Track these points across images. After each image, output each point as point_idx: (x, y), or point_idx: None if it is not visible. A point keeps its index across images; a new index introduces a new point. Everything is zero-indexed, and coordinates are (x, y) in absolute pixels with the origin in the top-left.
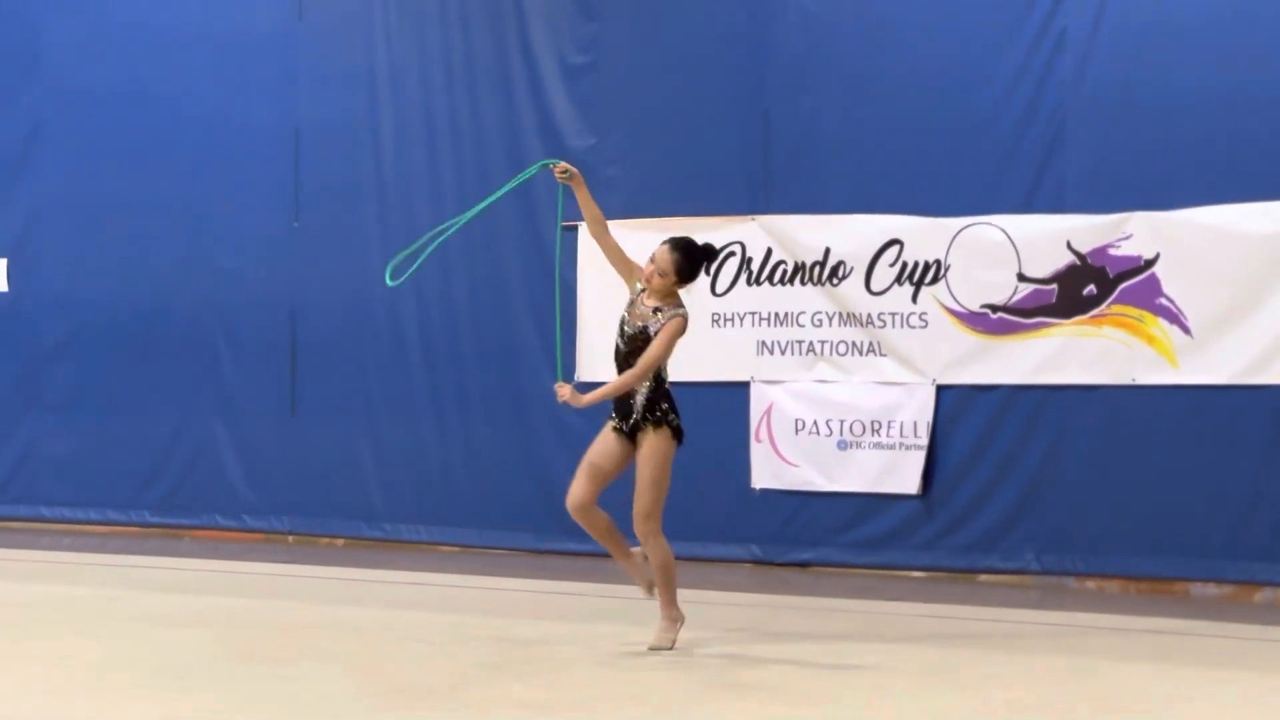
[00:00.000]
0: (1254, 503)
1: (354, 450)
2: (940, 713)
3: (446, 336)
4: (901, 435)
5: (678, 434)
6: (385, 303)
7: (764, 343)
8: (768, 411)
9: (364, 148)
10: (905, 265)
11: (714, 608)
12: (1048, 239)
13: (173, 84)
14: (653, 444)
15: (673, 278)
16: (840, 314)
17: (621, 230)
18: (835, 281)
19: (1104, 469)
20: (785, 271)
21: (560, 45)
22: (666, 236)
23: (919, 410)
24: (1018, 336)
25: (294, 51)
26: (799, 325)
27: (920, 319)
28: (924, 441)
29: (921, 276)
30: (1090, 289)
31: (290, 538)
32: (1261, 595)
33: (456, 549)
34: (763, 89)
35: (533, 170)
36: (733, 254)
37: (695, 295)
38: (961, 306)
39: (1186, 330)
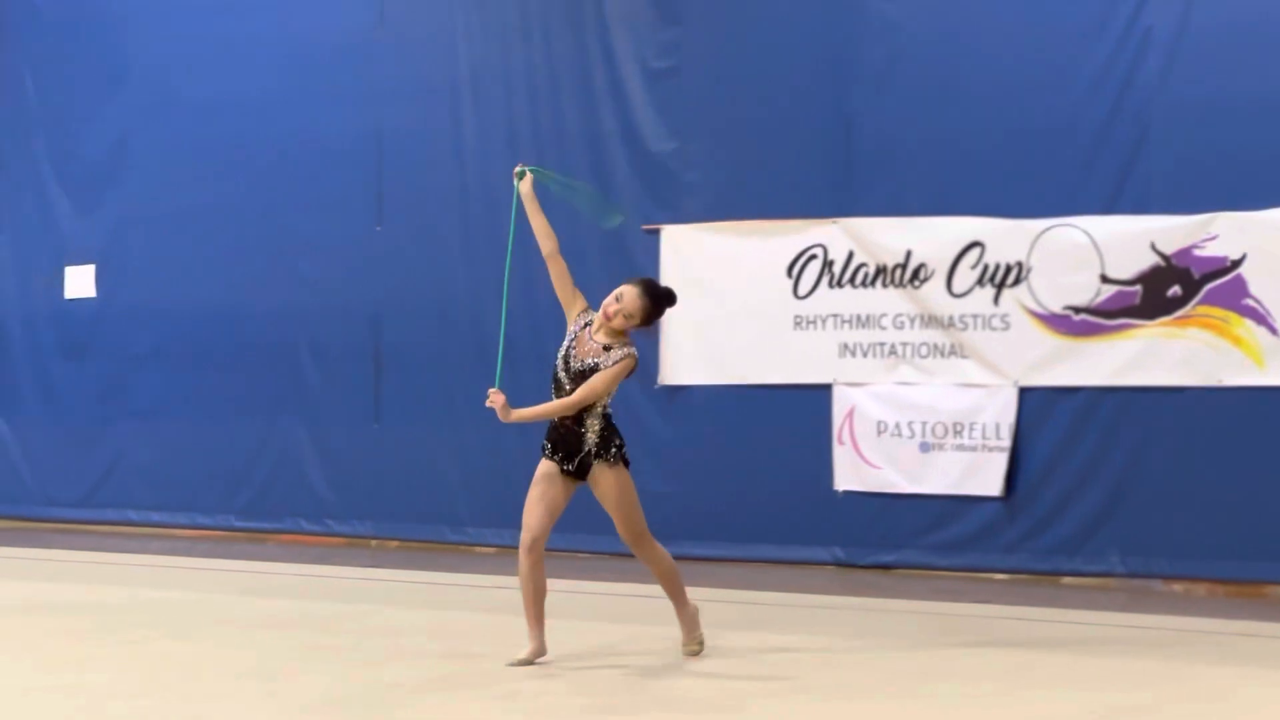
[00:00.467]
0: None
1: (436, 455)
2: (1023, 717)
3: (528, 341)
4: (984, 437)
5: (626, 464)
6: (468, 308)
7: (846, 345)
8: (850, 414)
9: (446, 154)
10: (987, 267)
11: (797, 610)
12: (1131, 240)
13: (256, 93)
14: (611, 482)
15: (637, 320)
16: (922, 316)
17: (703, 234)
18: (917, 284)
19: (1189, 471)
20: (867, 274)
21: (642, 50)
22: (745, 241)
23: (1001, 412)
24: (1101, 338)
25: (375, 59)
26: (880, 328)
27: (1002, 321)
28: (1006, 444)
29: (1003, 278)
30: (1175, 290)
31: (373, 542)
32: None
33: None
34: (844, 92)
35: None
36: (814, 257)
37: (778, 298)
38: (1044, 308)
39: (1274, 331)
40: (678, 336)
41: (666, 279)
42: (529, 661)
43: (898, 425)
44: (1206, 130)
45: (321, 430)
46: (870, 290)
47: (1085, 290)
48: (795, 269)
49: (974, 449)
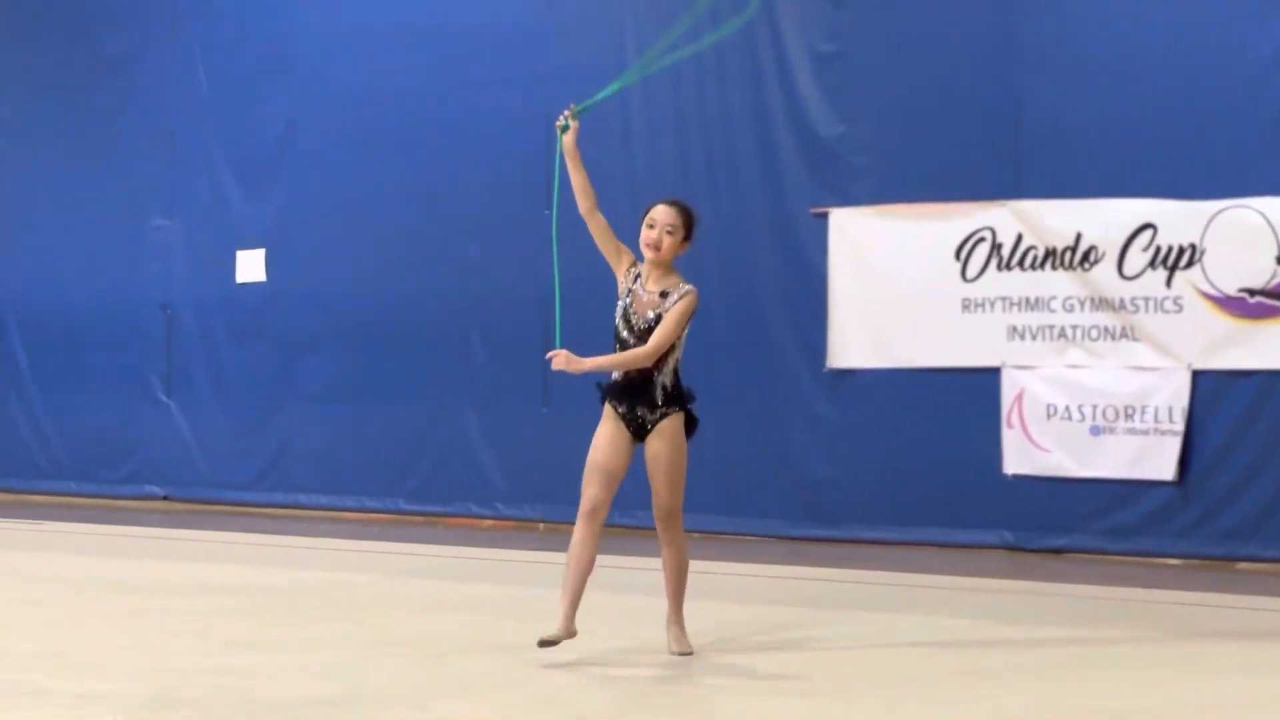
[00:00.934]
0: None
1: None
2: (1196, 703)
3: (697, 324)
4: (1156, 421)
5: (692, 423)
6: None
7: (1015, 328)
8: (1019, 397)
9: (614, 137)
10: (1159, 249)
11: (967, 594)
12: None
13: (424, 78)
14: (671, 434)
15: (681, 233)
16: (1092, 299)
17: (870, 217)
18: (1087, 266)
19: None
20: (1036, 257)
21: (809, 33)
22: (913, 224)
23: (1174, 395)
24: (1277, 321)
25: (542, 43)
26: (1050, 310)
27: (1175, 303)
28: (1180, 427)
29: (1176, 260)
30: None
31: (541, 525)
32: None
33: (708, 535)
34: (1012, 73)
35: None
36: (983, 240)
37: (946, 281)
38: (1218, 291)
39: None
40: (845, 320)
41: (834, 263)
42: (555, 642)
43: (1068, 408)
44: None
45: (490, 414)
46: (1039, 273)
47: (1261, 273)
48: (963, 252)
49: (1146, 433)
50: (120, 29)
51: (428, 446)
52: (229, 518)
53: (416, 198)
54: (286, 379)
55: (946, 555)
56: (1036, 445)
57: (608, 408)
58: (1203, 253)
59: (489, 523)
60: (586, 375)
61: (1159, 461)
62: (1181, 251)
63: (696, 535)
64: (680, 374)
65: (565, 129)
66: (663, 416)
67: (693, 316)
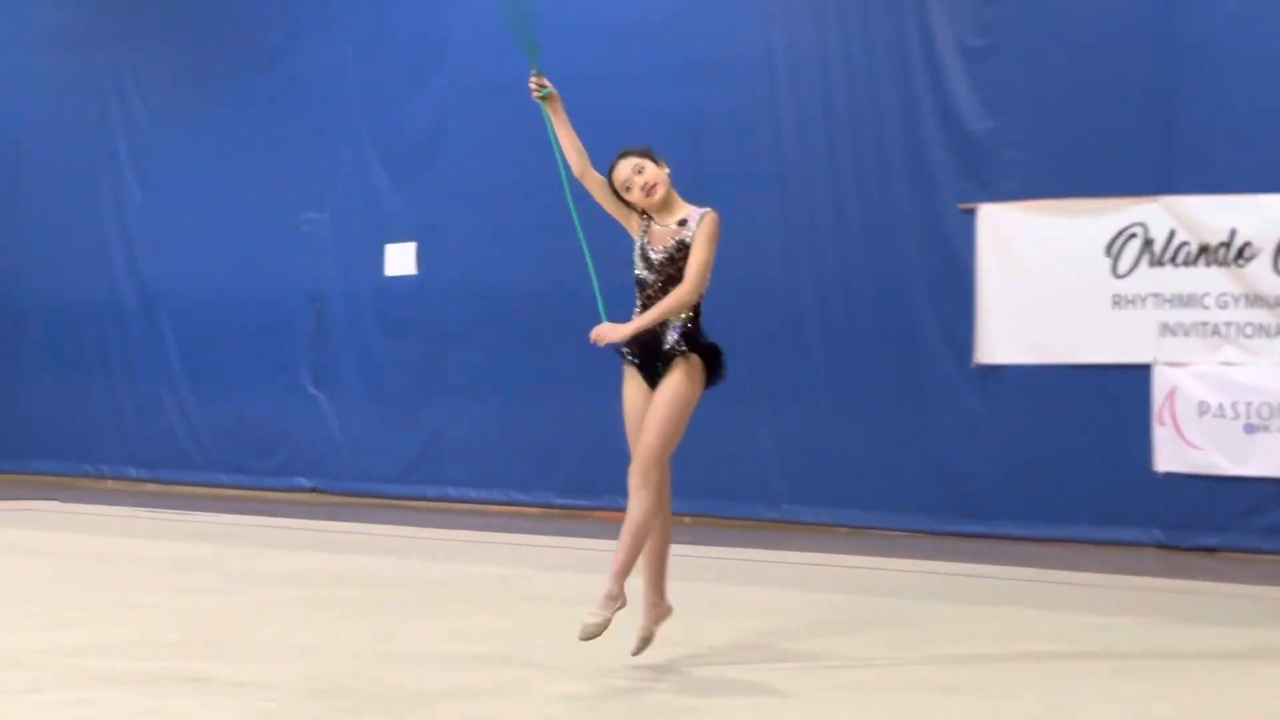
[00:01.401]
0: None
1: (753, 432)
2: None
3: (845, 319)
4: None
5: (714, 369)
6: (785, 286)
7: (1166, 325)
8: (1171, 394)
9: (763, 133)
10: None
11: (1117, 591)
12: None
13: (573, 72)
14: (679, 375)
15: (653, 164)
16: (1246, 295)
17: (1020, 213)
18: (1241, 262)
19: None
20: (1189, 253)
21: (959, 28)
22: (1063, 219)
23: None
24: None
25: (691, 38)
26: (1203, 307)
27: None
28: None
29: None
30: None
31: (687, 519)
32: None
33: (853, 530)
34: (1165, 66)
35: (530, 46)
36: (1134, 235)
37: (1096, 277)
38: None
39: None
40: (994, 315)
41: (983, 258)
42: (644, 641)
43: (1221, 406)
44: None
45: None
46: (1192, 269)
47: None
48: (1114, 247)
49: None
50: (273, 23)
51: (576, 439)
52: (377, 510)
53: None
54: (435, 372)
55: (1096, 552)
56: (1189, 443)
57: (627, 367)
58: None
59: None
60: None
61: None
62: None
63: (842, 530)
64: (701, 315)
65: (548, 94)
66: (673, 355)
67: (718, 234)
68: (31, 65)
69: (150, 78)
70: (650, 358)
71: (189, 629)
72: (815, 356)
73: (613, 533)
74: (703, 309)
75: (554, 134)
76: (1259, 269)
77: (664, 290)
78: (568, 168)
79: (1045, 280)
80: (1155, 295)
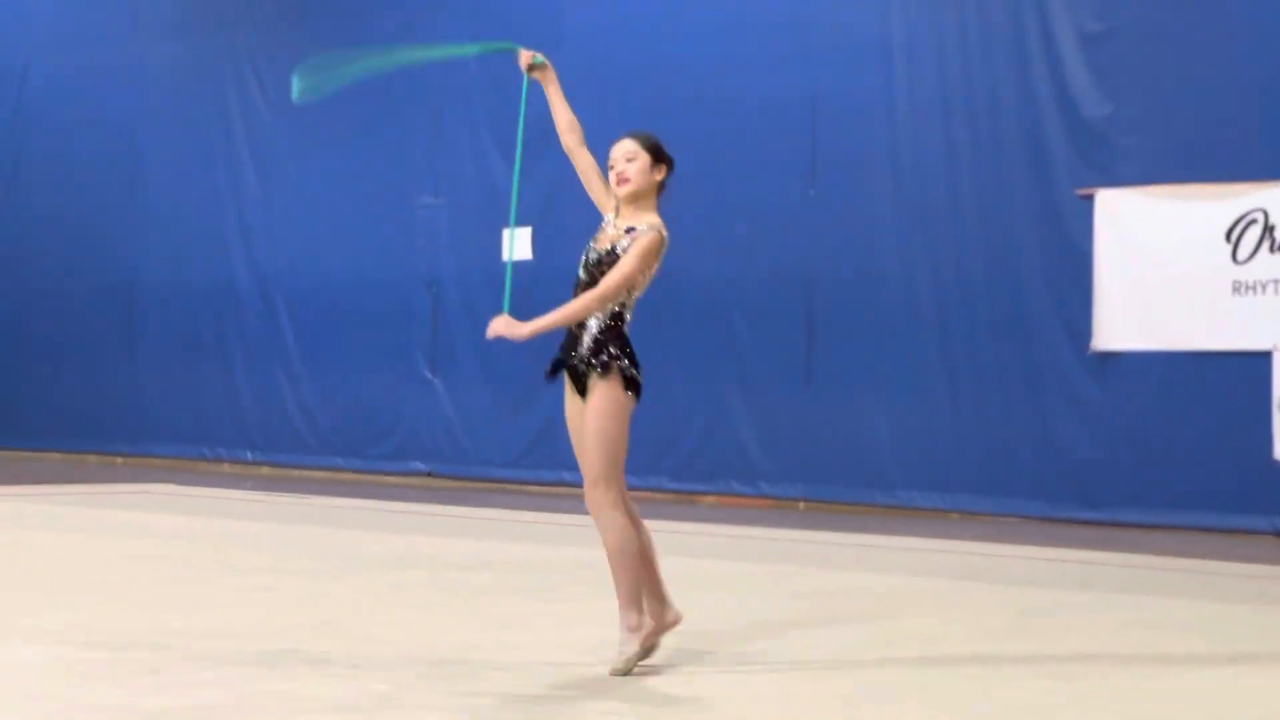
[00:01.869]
0: None
1: (867, 418)
2: None
3: (960, 305)
4: None
5: (631, 385)
6: (900, 272)
7: None
8: None
9: (879, 119)
10: None
11: (1236, 580)
12: None
13: (690, 57)
14: (599, 394)
15: (647, 156)
16: None
17: (1139, 198)
18: None
19: None
20: None
21: (1077, 13)
22: (1182, 205)
23: None
24: None
25: (809, 23)
26: None
27: None
28: None
29: None
30: None
31: (801, 504)
32: None
33: (966, 515)
34: None
35: (496, 47)
36: (1254, 221)
37: (1216, 263)
38: None
39: None
40: (1112, 302)
41: (1100, 244)
42: (633, 662)
43: None
44: None
45: (753, 392)
46: None
47: None
48: (1234, 233)
49: None
50: (389, 8)
51: (690, 424)
52: (491, 494)
53: (684, 177)
54: (550, 357)
55: (1213, 540)
56: None
57: (565, 378)
58: None
59: (749, 500)
60: (854, 353)
61: None
62: None
63: (956, 516)
64: (627, 332)
65: (541, 63)
66: (592, 370)
67: (657, 259)
68: (150, 54)
69: (267, 65)
70: (571, 359)
71: (306, 612)
72: (930, 342)
73: (725, 517)
74: (628, 322)
75: (524, 106)
76: None
77: (586, 291)
78: (527, 144)
79: (1164, 266)
80: (1276, 282)
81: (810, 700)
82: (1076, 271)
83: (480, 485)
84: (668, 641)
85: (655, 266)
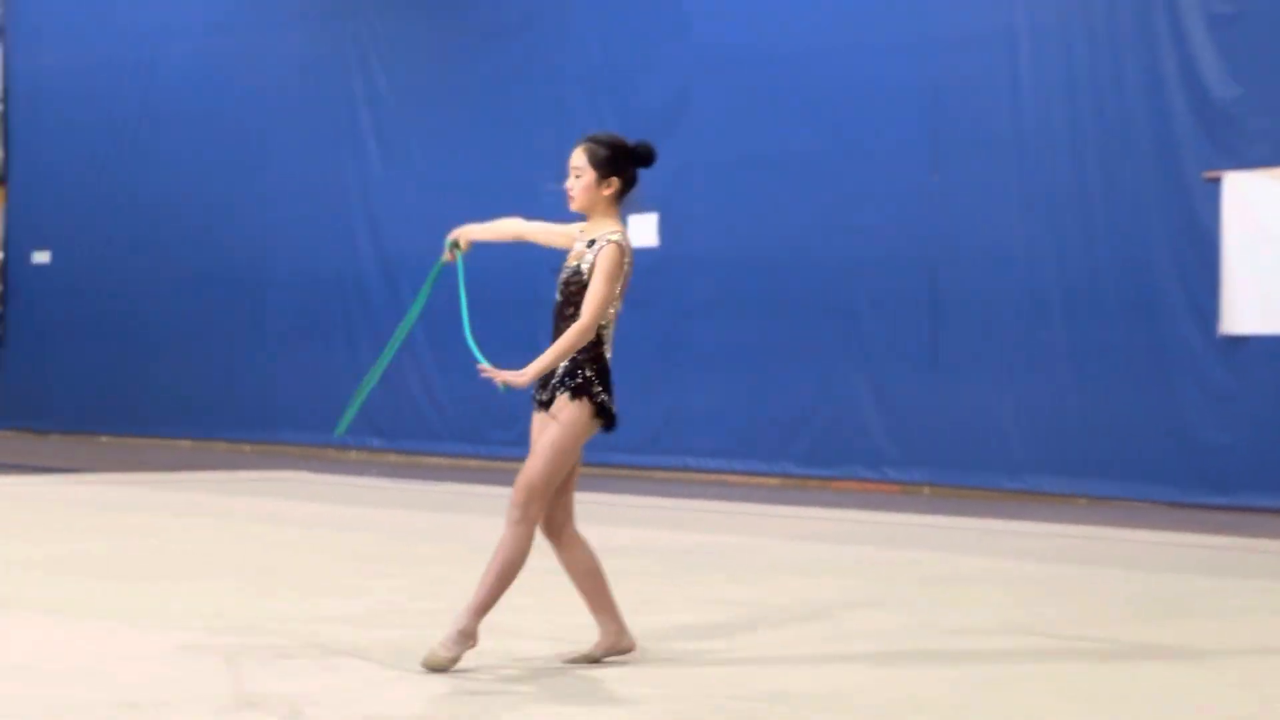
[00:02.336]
0: None
1: (994, 403)
2: None
3: (1086, 289)
4: None
5: (602, 413)
6: (1025, 256)
7: None
8: None
9: (1002, 103)
10: None
11: None
12: None
13: (814, 43)
14: (566, 411)
15: (593, 172)
16: None
17: (1267, 181)
18: None
19: None
20: None
21: None
22: None
23: None
24: None
25: (932, 7)
26: None
27: None
28: None
29: None
30: None
31: (926, 489)
32: None
33: (1094, 500)
34: None
35: (433, 274)
36: None
37: None
38: None
39: None
40: (1241, 285)
41: (1228, 227)
42: (593, 658)
43: None
44: None
45: (879, 378)
46: None
47: None
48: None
49: None
50: None
51: (816, 410)
52: (618, 480)
53: (806, 163)
54: (677, 343)
55: None
56: None
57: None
58: None
59: (875, 486)
60: (979, 338)
61: None
62: None
63: (1083, 501)
64: (606, 354)
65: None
66: (563, 389)
67: (621, 270)
68: (277, 41)
69: (392, 52)
70: (543, 388)
71: (434, 597)
72: (1056, 326)
73: (850, 502)
74: (607, 342)
75: (429, 290)
76: None
77: (561, 312)
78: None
79: None
80: None
81: (945, 687)
82: (1204, 254)
83: (606, 471)
84: (809, 630)
85: (621, 278)
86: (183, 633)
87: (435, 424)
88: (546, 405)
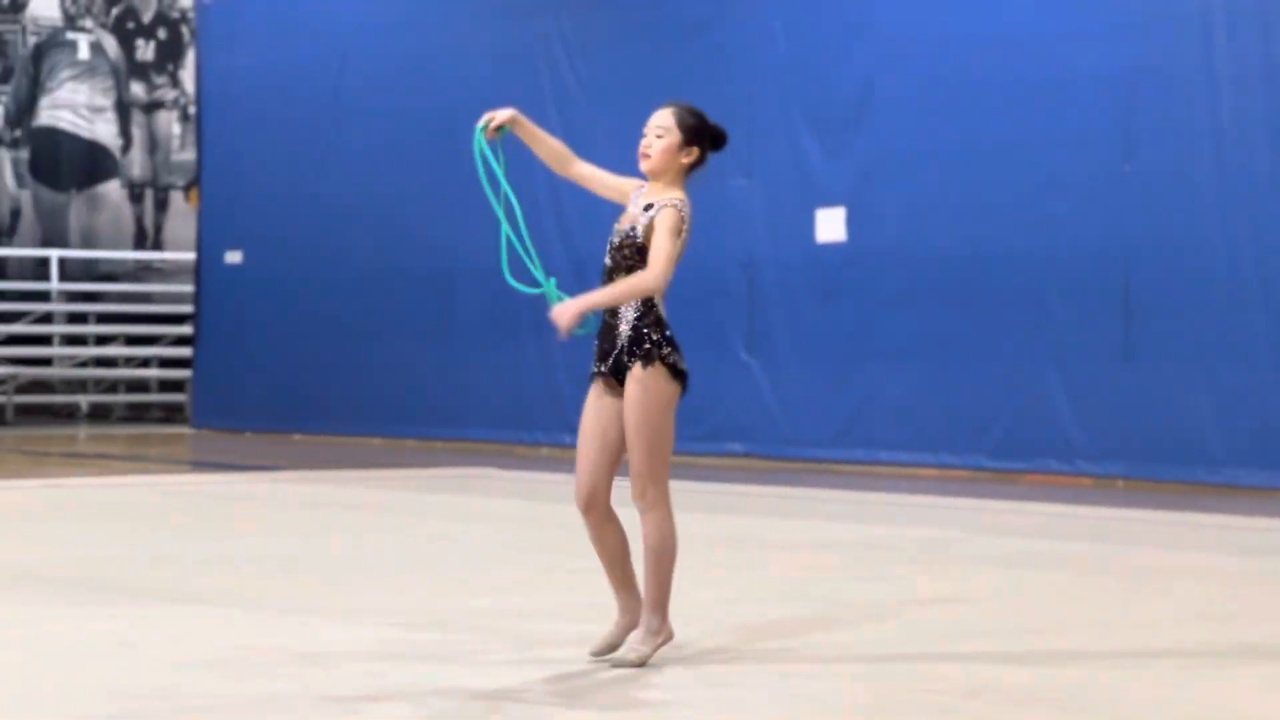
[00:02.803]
0: None
1: (1190, 394)
2: None
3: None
4: None
5: (677, 375)
6: (1221, 244)
7: None
8: None
9: (1198, 90)
10: None
11: None
12: None
13: (1004, 31)
14: (641, 385)
15: (679, 135)
16: None
17: None
18: None
19: None
20: None
21: None
22: None
23: None
24: None
25: None
26: None
27: None
28: None
29: None
30: None
31: (1120, 482)
32: None
33: None
34: None
35: (481, 147)
36: None
37: None
38: None
39: None
40: None
41: None
42: (610, 647)
43: None
44: None
45: (1071, 370)
46: None
47: None
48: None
49: None
50: None
51: (1008, 403)
52: (808, 474)
53: (997, 153)
54: (866, 336)
55: None
56: None
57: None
58: None
59: (1068, 479)
60: (1174, 329)
61: None
62: None
63: None
64: (665, 315)
65: (502, 130)
66: (634, 360)
67: (682, 227)
68: (466, 39)
69: (580, 49)
70: (605, 355)
71: None
72: (1254, 315)
73: (1044, 496)
74: (660, 306)
75: (497, 168)
76: None
77: (611, 277)
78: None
79: None
80: None
81: (1145, 681)
82: None
83: (796, 465)
84: (1004, 624)
85: (682, 240)
86: (379, 628)
87: None
88: (613, 376)
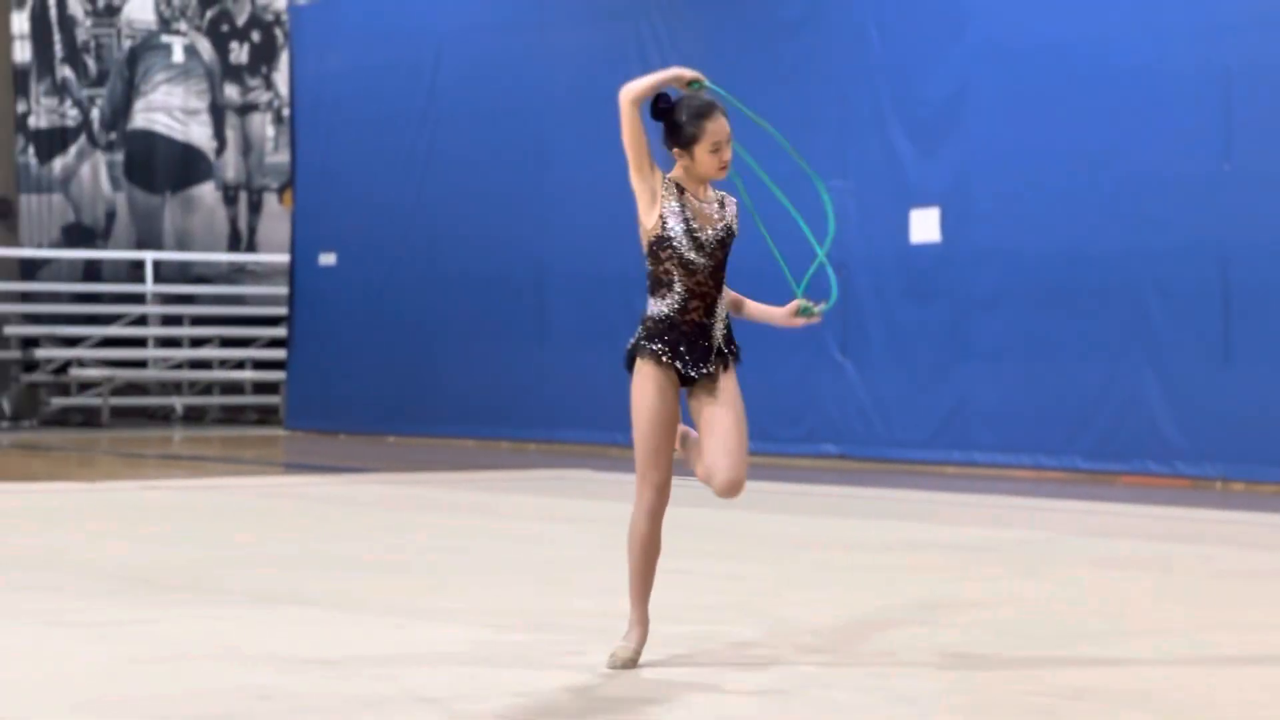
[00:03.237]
0: None
1: None
2: None
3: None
4: None
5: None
6: None
7: None
8: None
9: None
10: None
11: None
12: None
13: (1099, 31)
14: (733, 380)
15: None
16: None
17: None
18: None
19: None
20: None
21: None
22: None
23: None
24: None
25: None
26: None
27: None
28: None
29: None
30: None
31: (1219, 483)
32: None
33: None
34: None
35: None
36: None
37: None
38: None
39: None
40: None
41: None
42: (633, 659)
43: None
44: None
45: (1168, 371)
46: None
47: None
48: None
49: None
50: None
51: (1104, 404)
52: (903, 475)
53: (1092, 153)
54: (962, 337)
55: None
56: None
57: (647, 366)
58: None
59: (1166, 480)
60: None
61: None
62: None
63: None
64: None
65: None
66: (730, 357)
67: None
68: (558, 41)
69: (673, 50)
70: (697, 357)
71: (724, 594)
72: None
73: (1141, 497)
74: None
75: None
76: None
77: (712, 277)
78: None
79: None
80: None
81: (1243, 685)
82: None
83: (891, 467)
84: (1103, 626)
85: None
86: (475, 629)
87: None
88: (702, 376)
